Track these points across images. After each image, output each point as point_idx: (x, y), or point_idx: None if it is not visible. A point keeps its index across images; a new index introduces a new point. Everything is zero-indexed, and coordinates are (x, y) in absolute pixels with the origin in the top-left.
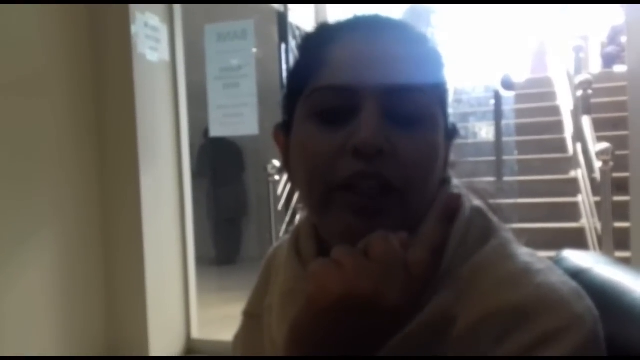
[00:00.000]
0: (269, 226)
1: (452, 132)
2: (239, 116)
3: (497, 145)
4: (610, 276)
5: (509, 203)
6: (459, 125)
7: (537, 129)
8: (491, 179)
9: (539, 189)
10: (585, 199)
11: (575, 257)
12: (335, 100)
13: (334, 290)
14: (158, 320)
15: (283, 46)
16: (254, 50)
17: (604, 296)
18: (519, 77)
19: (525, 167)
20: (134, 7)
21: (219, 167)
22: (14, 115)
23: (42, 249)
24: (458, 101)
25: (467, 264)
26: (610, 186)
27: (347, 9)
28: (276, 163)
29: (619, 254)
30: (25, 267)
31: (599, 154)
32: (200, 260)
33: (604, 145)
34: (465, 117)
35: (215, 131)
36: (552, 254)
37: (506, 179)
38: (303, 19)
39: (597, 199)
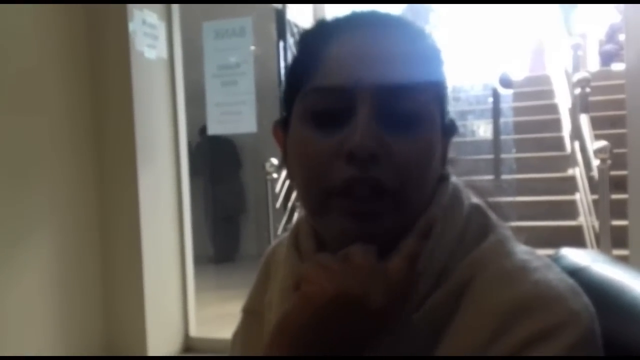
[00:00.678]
0: (267, 224)
1: (450, 129)
2: (237, 114)
3: (495, 143)
4: (608, 274)
5: (507, 201)
6: (457, 124)
7: (535, 127)
8: (489, 176)
9: (537, 187)
10: (583, 197)
11: (573, 255)
12: (330, 102)
13: (328, 290)
14: (156, 319)
15: (281, 44)
16: (252, 47)
17: (601, 294)
18: (517, 75)
19: (523, 165)
20: (131, 5)
21: (215, 165)
22: (11, 114)
23: (40, 248)
24: (456, 99)
25: (465, 260)
26: (608, 184)
27: (346, 7)
28: (274, 161)
29: (617, 251)
30: (23, 266)
31: (597, 152)
32: (198, 259)
33: (602, 143)
34: (463, 115)
35: (213, 129)
36: (550, 251)
37: (504, 176)
38: (301, 16)
39: (595, 197)
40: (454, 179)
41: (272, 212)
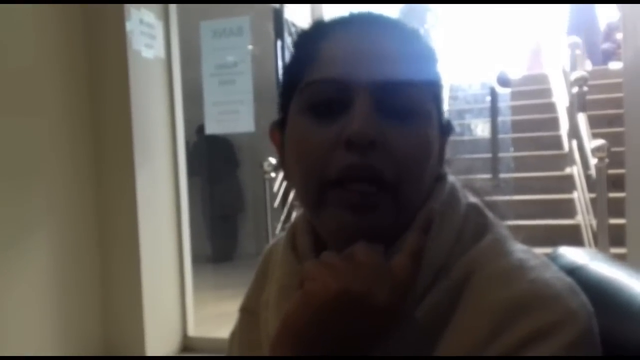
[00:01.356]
0: (265, 223)
1: (447, 128)
2: (235, 113)
3: (493, 142)
4: (606, 273)
5: (504, 200)
6: (455, 122)
7: (532, 125)
8: (487, 175)
9: (535, 185)
10: (580, 196)
11: (571, 254)
12: (327, 94)
13: (331, 287)
14: (154, 318)
15: (279, 43)
16: (250, 47)
17: (599, 292)
18: (515, 74)
19: (520, 164)
20: (129, 4)
21: (213, 164)
22: (7, 114)
23: (38, 248)
24: (454, 98)
25: (462, 260)
26: (606, 183)
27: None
28: (272, 160)
29: (614, 250)
30: (22, 267)
31: (595, 150)
32: (196, 258)
33: (600, 142)
34: (461, 114)
35: (211, 128)
36: (547, 250)
37: (502, 175)
38: (299, 15)
39: (593, 195)
40: (451, 178)
41: (270, 212)
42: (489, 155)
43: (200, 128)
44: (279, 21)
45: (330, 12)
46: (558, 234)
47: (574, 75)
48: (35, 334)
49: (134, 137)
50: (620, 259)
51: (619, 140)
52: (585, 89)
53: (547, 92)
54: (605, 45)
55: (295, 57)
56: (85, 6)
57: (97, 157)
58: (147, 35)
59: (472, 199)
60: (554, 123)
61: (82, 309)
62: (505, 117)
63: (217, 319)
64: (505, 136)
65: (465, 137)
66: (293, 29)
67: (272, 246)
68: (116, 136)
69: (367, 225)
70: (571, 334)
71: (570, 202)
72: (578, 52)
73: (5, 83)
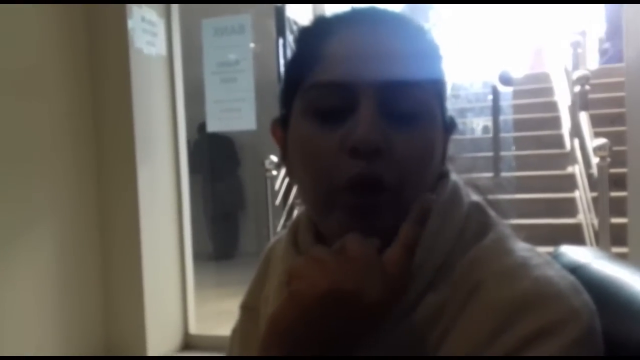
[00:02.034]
0: (266, 221)
1: (449, 126)
2: (237, 111)
3: (495, 141)
4: (608, 271)
5: (506, 198)
6: (457, 121)
7: (534, 124)
8: (489, 174)
9: (537, 184)
10: (582, 195)
11: (573, 252)
12: (332, 97)
13: (319, 286)
14: (155, 316)
15: (280, 41)
16: (252, 45)
17: (601, 291)
18: (517, 72)
19: (522, 163)
20: (131, 4)
21: (213, 162)
22: (10, 111)
23: (39, 245)
24: (456, 96)
25: (464, 258)
26: (608, 182)
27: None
28: (274, 158)
29: (616, 249)
30: (22, 264)
31: (597, 149)
32: (197, 256)
33: (602, 140)
34: (462, 112)
35: (213, 126)
36: (549, 249)
37: (504, 174)
38: (301, 13)
39: (594, 194)
40: (453, 176)
41: (271, 210)
42: (490, 153)
43: (202, 126)
44: (280, 19)
45: (332, 9)
46: (559, 233)
47: (576, 74)
48: (37, 330)
49: (135, 135)
50: (621, 258)
51: (621, 139)
52: (587, 87)
53: (549, 91)
54: (608, 45)
55: (298, 55)
56: (88, 5)
57: (98, 154)
58: (148, 33)
59: (475, 197)
60: (556, 122)
61: (83, 306)
62: (507, 116)
63: (218, 316)
64: (507, 135)
65: (467, 136)
66: (295, 27)
67: (274, 243)
68: (118, 134)
69: (369, 226)
70: (574, 332)
71: (572, 201)
72: (580, 50)
73: (8, 81)
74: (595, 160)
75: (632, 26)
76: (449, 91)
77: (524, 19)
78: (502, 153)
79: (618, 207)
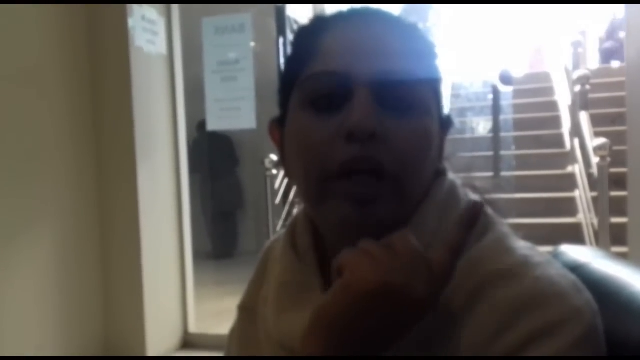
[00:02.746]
0: (266, 220)
1: (447, 123)
2: (237, 110)
3: (495, 140)
4: (608, 271)
5: (506, 198)
6: (457, 120)
7: (534, 124)
8: (488, 174)
9: (536, 184)
10: (582, 195)
11: (573, 252)
12: (327, 86)
13: (371, 279)
14: (155, 314)
15: (281, 40)
16: (252, 43)
17: (602, 291)
18: (518, 72)
19: (522, 162)
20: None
21: (213, 161)
22: (10, 109)
23: (39, 244)
24: (456, 96)
25: (464, 258)
26: (608, 182)
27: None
28: (273, 157)
29: (616, 249)
30: (22, 263)
31: (597, 149)
32: (197, 254)
33: (602, 140)
34: (463, 112)
35: (213, 125)
36: (548, 249)
37: (503, 174)
38: (301, 12)
39: (594, 194)
40: (451, 175)
41: (271, 208)
42: (490, 153)
43: (201, 124)
44: (281, 18)
45: (333, 9)
46: (559, 232)
47: (577, 74)
48: (37, 328)
49: (135, 134)
50: (621, 257)
51: (621, 139)
52: (587, 87)
53: (549, 91)
54: (608, 44)
55: (295, 53)
56: (88, 3)
57: (99, 153)
58: (149, 31)
59: (473, 196)
60: (556, 121)
61: (82, 304)
62: (507, 115)
63: (218, 315)
64: (507, 134)
65: (467, 135)
66: (295, 26)
67: (272, 243)
68: (118, 132)
69: (368, 217)
70: (576, 331)
71: (572, 200)
72: (580, 50)
73: (7, 79)
74: (595, 159)
75: (633, 25)
76: (449, 91)
77: (525, 18)
78: (502, 152)
79: (618, 206)
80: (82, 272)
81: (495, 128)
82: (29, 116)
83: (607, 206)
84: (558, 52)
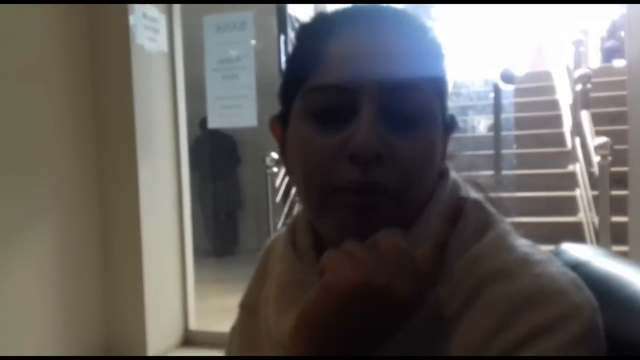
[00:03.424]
0: (266, 218)
1: (450, 125)
2: (238, 108)
3: (496, 139)
4: (608, 269)
5: (507, 196)
6: (458, 119)
7: (536, 122)
8: (489, 172)
9: (537, 182)
10: (583, 193)
11: (574, 250)
12: (332, 100)
13: (351, 279)
14: (156, 312)
15: (282, 38)
16: (253, 41)
17: (602, 289)
18: (519, 70)
19: (523, 161)
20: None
21: (214, 159)
22: (12, 106)
23: (40, 242)
24: (457, 94)
25: (464, 256)
26: (609, 180)
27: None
28: (274, 155)
29: (616, 248)
30: (22, 261)
31: (598, 148)
32: (197, 252)
33: (603, 139)
34: (464, 110)
35: (214, 123)
36: (549, 247)
37: (504, 172)
38: (302, 10)
39: (595, 193)
40: (453, 174)
41: (272, 206)
42: (491, 152)
43: (202, 122)
44: (282, 16)
45: (333, 7)
46: (560, 231)
47: (578, 73)
48: (38, 326)
49: (136, 131)
50: (622, 256)
51: (623, 138)
52: (589, 86)
53: (550, 89)
54: (609, 43)
55: (299, 54)
56: (89, 4)
57: (99, 150)
58: (150, 29)
59: (475, 194)
60: (557, 120)
61: (83, 302)
62: (508, 114)
63: (219, 312)
64: (508, 133)
65: (468, 134)
66: (296, 24)
67: (272, 242)
68: (119, 130)
69: (368, 226)
70: (576, 328)
71: (573, 199)
72: (582, 49)
73: (9, 76)
74: (596, 158)
75: (634, 24)
76: (450, 89)
77: (526, 17)
78: (503, 151)
79: (619, 205)
80: (82, 269)
81: (497, 126)
82: (29, 114)
83: (608, 205)
84: (559, 51)
